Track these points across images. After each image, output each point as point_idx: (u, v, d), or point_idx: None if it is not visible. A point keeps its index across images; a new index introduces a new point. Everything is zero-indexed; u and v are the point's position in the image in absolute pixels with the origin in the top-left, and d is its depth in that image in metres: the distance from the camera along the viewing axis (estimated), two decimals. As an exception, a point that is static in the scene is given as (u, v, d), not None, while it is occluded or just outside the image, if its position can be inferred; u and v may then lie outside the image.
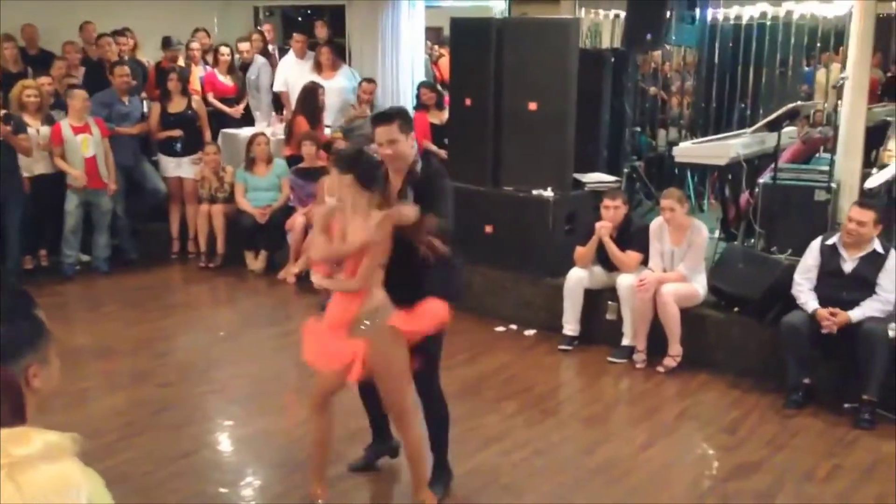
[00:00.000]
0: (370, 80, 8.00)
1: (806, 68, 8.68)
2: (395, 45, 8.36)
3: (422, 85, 8.22)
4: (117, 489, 1.21)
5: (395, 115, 3.50)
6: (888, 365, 4.51)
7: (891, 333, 4.59)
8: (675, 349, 5.28)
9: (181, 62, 8.24)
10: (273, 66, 8.62)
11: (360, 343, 3.28)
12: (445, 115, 7.47)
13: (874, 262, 4.69)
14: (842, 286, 4.72)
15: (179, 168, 7.55)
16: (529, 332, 5.94)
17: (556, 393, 5.16)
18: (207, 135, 7.67)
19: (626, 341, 5.46)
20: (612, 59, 7.19)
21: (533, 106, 6.11)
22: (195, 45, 8.36)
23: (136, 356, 5.49)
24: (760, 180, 6.14)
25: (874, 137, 6.44)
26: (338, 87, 8.12)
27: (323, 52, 8.17)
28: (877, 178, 5.54)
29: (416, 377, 3.55)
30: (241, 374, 5.28)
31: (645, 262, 5.49)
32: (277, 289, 6.91)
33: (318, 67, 8.15)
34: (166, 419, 4.54)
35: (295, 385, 5.10)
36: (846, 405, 4.66)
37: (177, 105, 7.49)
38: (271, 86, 8.49)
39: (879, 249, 4.70)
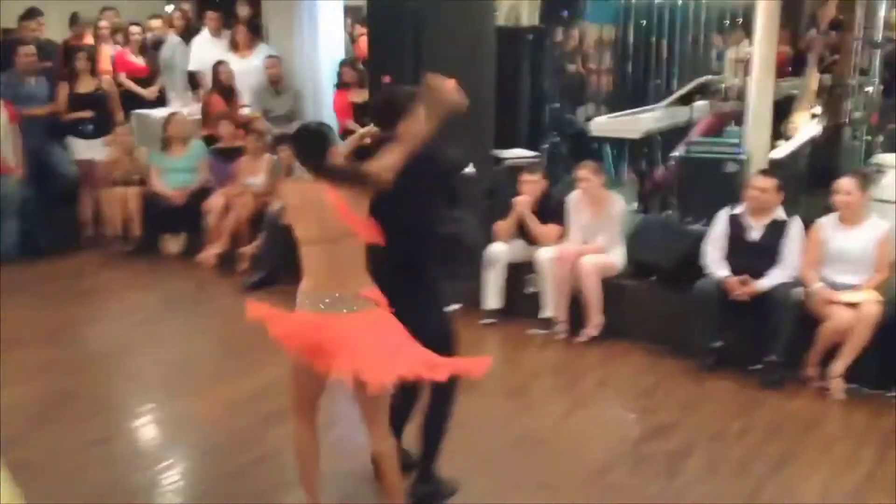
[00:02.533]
0: (271, 56, 7.86)
1: (720, 44, 8.89)
2: (312, 24, 8.21)
3: (343, 63, 8.10)
4: (26, 481, 1.15)
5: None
6: (793, 327, 4.69)
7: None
8: (597, 319, 5.36)
9: (89, 40, 7.95)
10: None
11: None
12: (367, 93, 7.39)
13: (778, 231, 4.86)
14: (750, 255, 4.87)
15: (90, 150, 7.31)
16: (452, 308, 5.94)
17: (478, 367, 5.18)
18: (119, 116, 7.45)
19: (546, 313, 5.53)
20: (530, 37, 7.25)
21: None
22: (104, 23, 8.08)
23: (46, 345, 5.30)
24: (674, 153, 6.29)
25: (783, 111, 6.65)
26: (255, 66, 7.95)
27: (239, 31, 7.99)
28: (782, 150, 5.73)
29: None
30: (157, 359, 5.15)
31: (564, 236, 5.57)
32: (196, 272, 6.74)
33: (234, 46, 7.97)
34: (77, 408, 4.40)
35: (214, 369, 5.03)
36: (755, 366, 4.83)
37: (86, 85, 7.26)
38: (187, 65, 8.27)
39: (783, 217, 4.88)
